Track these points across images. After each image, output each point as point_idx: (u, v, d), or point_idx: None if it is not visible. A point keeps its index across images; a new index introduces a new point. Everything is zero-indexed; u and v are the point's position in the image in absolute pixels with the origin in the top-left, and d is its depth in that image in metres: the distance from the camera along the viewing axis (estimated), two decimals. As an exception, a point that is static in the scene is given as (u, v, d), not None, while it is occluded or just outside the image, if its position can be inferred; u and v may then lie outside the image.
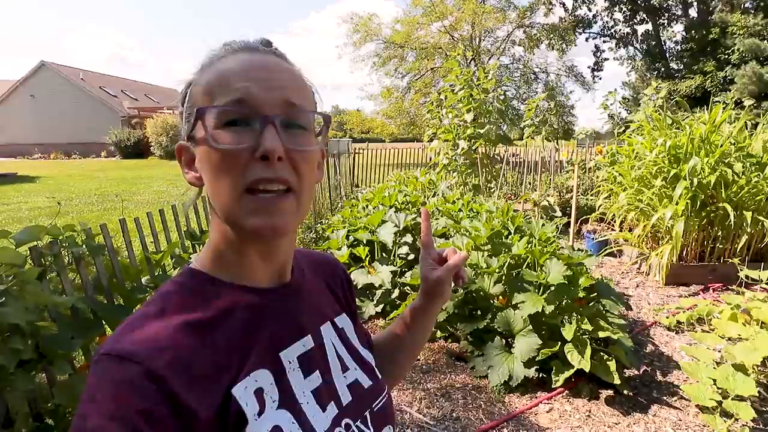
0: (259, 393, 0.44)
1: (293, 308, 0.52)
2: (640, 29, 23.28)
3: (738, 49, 16.09)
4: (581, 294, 2.27)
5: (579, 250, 2.95)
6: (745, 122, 4.11)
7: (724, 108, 4.17)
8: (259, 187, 0.44)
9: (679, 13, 22.09)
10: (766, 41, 15.28)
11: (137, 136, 21.85)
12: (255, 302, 0.49)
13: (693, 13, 21.30)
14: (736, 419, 1.86)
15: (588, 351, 2.08)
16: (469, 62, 17.28)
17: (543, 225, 2.90)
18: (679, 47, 22.07)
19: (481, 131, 5.97)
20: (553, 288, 2.27)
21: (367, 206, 4.21)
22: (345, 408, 0.51)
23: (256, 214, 0.44)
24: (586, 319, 2.19)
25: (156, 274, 2.45)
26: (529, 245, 2.65)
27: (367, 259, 3.21)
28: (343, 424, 0.50)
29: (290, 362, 0.49)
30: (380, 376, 0.59)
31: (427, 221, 0.67)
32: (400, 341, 0.70)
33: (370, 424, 0.53)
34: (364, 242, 3.39)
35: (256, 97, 0.44)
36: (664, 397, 2.17)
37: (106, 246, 2.10)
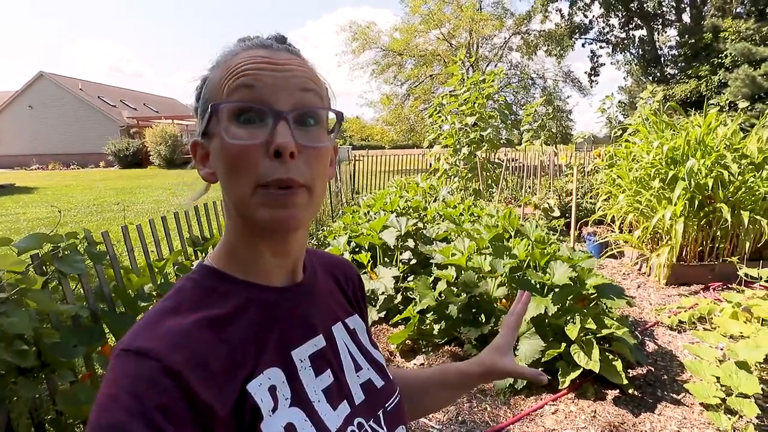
0: (272, 390, 0.44)
1: (305, 307, 0.52)
2: (636, 34, 23.57)
3: (731, 53, 16.27)
4: (591, 291, 2.27)
5: (580, 251, 2.96)
6: (739, 124, 4.16)
7: (720, 111, 4.21)
8: (271, 188, 0.44)
9: (673, 18, 22.37)
10: (757, 45, 15.47)
11: (136, 146, 21.87)
12: (268, 300, 0.49)
13: (686, 18, 21.58)
14: (741, 416, 1.87)
15: (596, 352, 2.09)
16: (468, 69, 17.43)
17: (536, 227, 2.93)
18: (674, 52, 22.33)
19: (484, 134, 6.02)
20: (557, 289, 2.27)
21: (368, 212, 4.23)
22: (357, 407, 0.51)
23: (268, 207, 0.44)
24: (590, 319, 2.20)
25: (159, 282, 2.46)
26: (530, 248, 2.66)
27: (369, 264, 3.21)
28: (355, 423, 0.50)
29: (302, 361, 0.49)
30: (391, 377, 0.59)
31: (526, 303, 0.71)
32: (427, 392, 0.69)
33: (383, 423, 0.53)
34: (366, 248, 3.39)
35: (269, 90, 0.44)
36: (669, 396, 2.17)
37: (108, 254, 2.10)
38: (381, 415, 0.53)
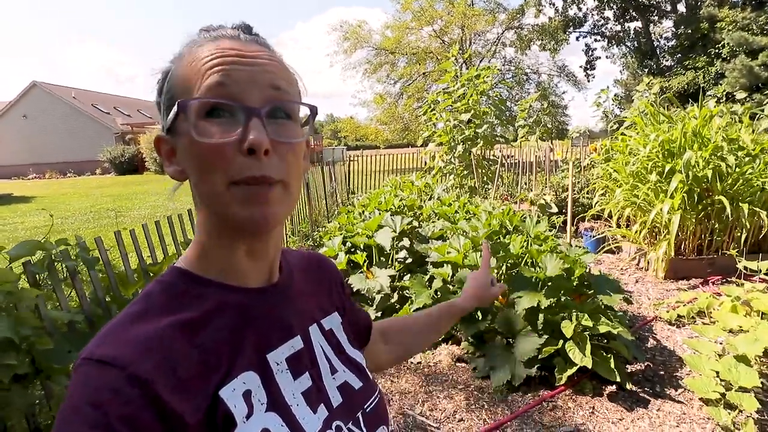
0: (247, 395, 0.43)
1: (281, 309, 0.51)
2: (631, 26, 23.51)
3: (728, 44, 16.23)
4: (575, 283, 2.26)
5: (577, 247, 2.95)
6: (733, 114, 4.14)
7: (717, 102, 4.19)
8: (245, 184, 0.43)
9: (668, 9, 22.31)
10: (754, 35, 15.43)
11: (131, 152, 21.84)
12: (242, 302, 0.47)
13: (681, 8, 21.52)
14: (740, 411, 1.85)
15: (588, 347, 2.07)
16: (461, 65, 17.40)
17: (537, 223, 2.90)
18: (670, 43, 22.27)
19: (479, 131, 5.99)
20: (550, 282, 2.26)
21: (363, 212, 4.21)
22: (335, 410, 0.50)
23: (244, 204, 0.42)
24: (586, 316, 2.19)
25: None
26: (526, 244, 2.65)
27: (365, 264, 3.20)
28: (333, 426, 0.49)
29: (278, 364, 0.47)
30: (371, 377, 0.58)
31: (488, 251, 0.91)
32: (421, 331, 0.80)
33: (362, 425, 0.52)
34: (362, 248, 3.38)
35: (240, 86, 0.43)
36: (668, 391, 2.16)
37: (101, 259, 2.09)
38: (360, 417, 0.52)
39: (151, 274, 2.52)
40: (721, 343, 2.35)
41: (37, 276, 1.75)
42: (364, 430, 0.52)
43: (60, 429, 0.36)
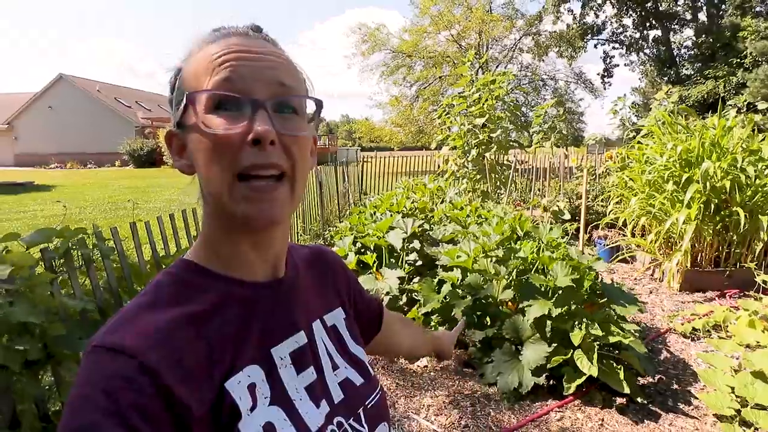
0: (251, 388, 0.43)
1: (286, 304, 0.51)
2: (650, 34, 23.14)
3: (750, 53, 15.89)
4: (585, 294, 2.23)
5: (590, 255, 2.89)
6: (756, 125, 4.03)
7: (738, 112, 4.09)
8: (252, 173, 0.43)
9: (689, 17, 21.92)
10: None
11: (150, 146, 22.25)
12: (248, 296, 0.48)
13: (702, 17, 21.12)
14: (756, 428, 1.80)
15: (595, 356, 2.04)
16: (477, 70, 17.34)
17: (550, 229, 2.87)
18: (690, 52, 21.87)
19: (493, 136, 5.95)
20: (560, 292, 2.23)
21: (374, 213, 4.20)
22: (337, 406, 0.51)
23: (248, 202, 0.43)
24: (596, 325, 2.15)
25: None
26: (538, 249, 2.61)
27: (375, 265, 3.19)
28: (335, 422, 0.49)
29: (282, 358, 0.48)
30: (372, 373, 0.58)
31: (463, 323, 1.02)
32: (425, 345, 0.89)
33: (364, 422, 0.52)
34: (372, 249, 3.37)
35: (246, 81, 0.43)
36: (680, 406, 2.11)
37: (116, 249, 2.13)
38: (361, 414, 0.53)
39: (164, 266, 2.56)
40: (737, 358, 2.29)
41: (53, 263, 1.78)
42: (366, 426, 0.52)
43: (72, 416, 0.36)
